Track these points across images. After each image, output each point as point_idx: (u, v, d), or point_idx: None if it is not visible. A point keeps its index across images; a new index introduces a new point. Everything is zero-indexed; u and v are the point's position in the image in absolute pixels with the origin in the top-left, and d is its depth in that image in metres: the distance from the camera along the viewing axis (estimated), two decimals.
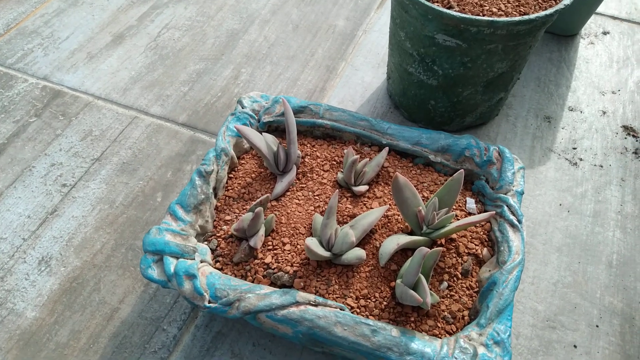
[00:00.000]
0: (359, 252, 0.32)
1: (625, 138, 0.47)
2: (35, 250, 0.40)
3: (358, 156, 0.36)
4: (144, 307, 0.36)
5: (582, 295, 0.37)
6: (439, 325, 0.31)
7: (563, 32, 0.57)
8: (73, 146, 0.46)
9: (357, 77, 0.52)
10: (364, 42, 0.56)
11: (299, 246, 0.33)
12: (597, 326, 0.36)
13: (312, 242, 0.31)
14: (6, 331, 0.35)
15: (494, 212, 0.31)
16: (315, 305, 0.30)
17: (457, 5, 0.39)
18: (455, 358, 0.28)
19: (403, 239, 0.32)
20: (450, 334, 0.31)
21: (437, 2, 0.39)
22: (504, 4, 0.39)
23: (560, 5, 0.39)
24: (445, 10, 0.37)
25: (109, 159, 0.45)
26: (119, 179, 0.44)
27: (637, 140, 0.47)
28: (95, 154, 0.46)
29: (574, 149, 0.46)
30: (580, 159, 0.45)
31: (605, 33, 0.57)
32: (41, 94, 0.51)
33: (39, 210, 0.42)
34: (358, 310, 0.31)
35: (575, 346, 0.35)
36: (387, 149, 0.37)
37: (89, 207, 0.42)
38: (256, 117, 0.39)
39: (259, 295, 0.30)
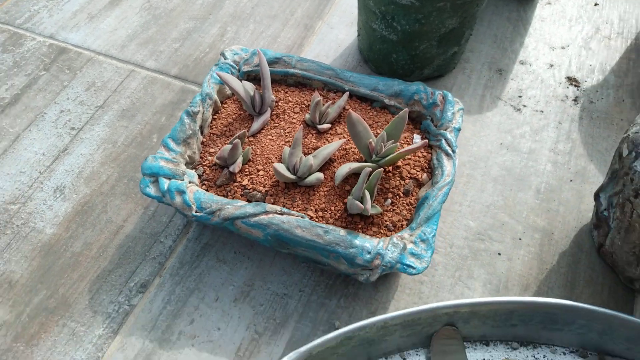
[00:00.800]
0: (319, 175, 0.42)
1: (568, 87, 0.56)
2: (51, 181, 0.49)
3: (321, 98, 0.45)
4: (144, 225, 0.46)
5: (510, 215, 0.47)
6: (381, 231, 0.41)
7: None
8: (79, 96, 0.55)
9: (332, 34, 0.61)
10: (340, 2, 0.64)
11: (270, 172, 0.43)
12: (520, 239, 0.46)
13: (280, 166, 0.41)
14: (30, 244, 0.45)
15: (426, 142, 0.41)
16: (281, 214, 0.40)
17: None
18: (388, 250, 0.38)
19: (355, 165, 0.41)
20: (388, 237, 0.40)
21: None
22: None
23: None
24: None
25: (110, 107, 0.55)
26: (120, 123, 0.53)
27: (577, 89, 0.56)
28: (98, 102, 0.55)
29: (520, 97, 0.55)
30: (524, 106, 0.54)
31: None
32: (48, 50, 0.60)
33: (52, 149, 0.51)
34: (316, 219, 0.40)
35: (499, 254, 0.45)
36: (347, 93, 0.46)
37: (95, 146, 0.52)
38: (237, 67, 0.48)
39: (236, 206, 0.39)
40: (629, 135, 0.38)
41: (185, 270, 0.44)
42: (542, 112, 0.54)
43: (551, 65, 0.58)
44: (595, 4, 0.64)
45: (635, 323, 0.37)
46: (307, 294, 0.43)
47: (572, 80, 0.56)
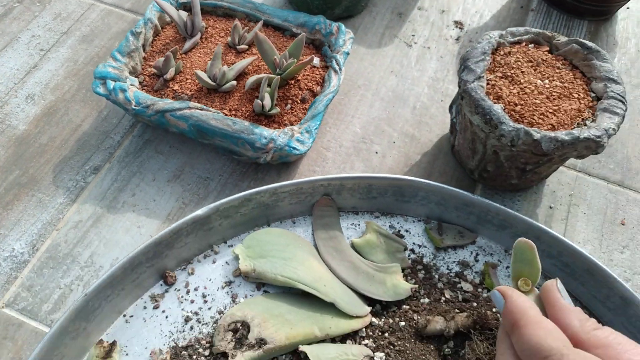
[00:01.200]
0: (233, 83, 0.53)
1: (453, 29, 0.68)
2: (23, 90, 0.60)
3: (240, 24, 0.57)
4: (98, 124, 0.58)
5: (389, 125, 0.59)
6: (281, 128, 0.53)
7: None
8: (47, 24, 0.66)
9: None
10: None
11: (197, 81, 0.54)
12: (394, 142, 0.58)
13: (202, 74, 0.52)
14: (6, 137, 0.57)
15: (312, 58, 0.52)
16: (201, 110, 0.51)
17: None
18: (279, 136, 0.50)
19: (260, 75, 0.53)
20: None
21: None
22: None
23: None
24: None
25: (73, 33, 0.65)
26: (81, 46, 0.64)
27: (461, 31, 0.68)
28: (63, 29, 0.65)
29: (413, 35, 0.67)
30: (415, 43, 0.66)
31: None
32: None
33: (25, 66, 0.62)
34: (230, 116, 0.52)
35: (376, 152, 0.57)
36: (262, 21, 0.57)
37: (59, 64, 0.62)
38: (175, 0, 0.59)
39: (166, 102, 0.51)
40: (462, 54, 0.51)
41: (130, 158, 0.55)
42: (428, 48, 0.66)
43: (443, 11, 0.69)
44: None
45: (457, 193, 0.50)
46: (225, 177, 0.55)
47: (457, 24, 0.68)
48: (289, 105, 0.54)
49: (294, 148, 0.50)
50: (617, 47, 0.68)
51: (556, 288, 0.33)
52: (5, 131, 0.57)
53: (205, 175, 0.55)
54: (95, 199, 0.53)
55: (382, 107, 0.61)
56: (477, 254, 0.50)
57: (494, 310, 0.46)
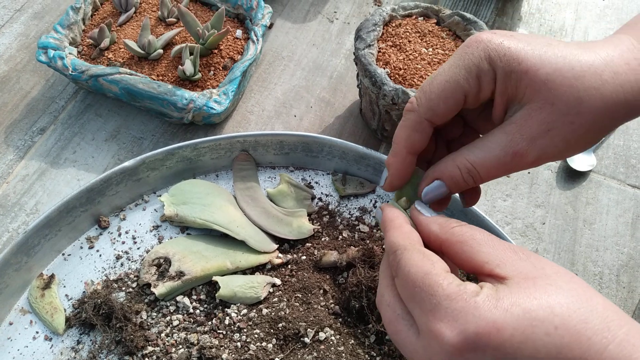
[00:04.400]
0: (160, 51, 0.57)
1: (372, 7, 0.72)
2: None
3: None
4: (45, 91, 0.62)
5: (308, 92, 0.64)
6: (203, 92, 0.57)
7: None
8: (2, 1, 0.69)
9: None
10: None
11: (129, 50, 0.58)
12: (311, 107, 0.63)
13: (131, 42, 0.56)
14: None
15: (228, 28, 0.57)
16: (130, 75, 0.55)
17: None
18: (199, 98, 0.54)
19: (185, 44, 0.57)
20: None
21: None
22: None
23: None
24: None
25: (26, 10, 0.68)
26: (32, 22, 0.67)
27: (378, 8, 0.72)
28: (17, 7, 0.68)
29: (335, 12, 0.71)
30: (337, 19, 0.70)
31: None
32: None
33: None
34: (157, 80, 0.56)
35: (295, 115, 0.62)
36: None
37: (12, 38, 0.66)
38: None
39: (98, 68, 0.55)
40: (357, 25, 0.55)
41: (72, 121, 0.60)
42: (348, 23, 0.70)
43: None
44: None
45: (354, 147, 0.54)
46: (157, 137, 0.59)
47: (376, 1, 0.72)
48: (211, 72, 0.58)
49: (212, 108, 0.54)
50: (521, 22, 0.72)
51: (416, 209, 0.32)
52: None
53: (139, 136, 0.59)
54: (40, 156, 0.57)
55: (303, 76, 0.65)
56: (376, 201, 0.55)
57: (383, 246, 0.51)
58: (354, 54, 0.54)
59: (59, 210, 0.49)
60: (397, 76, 0.53)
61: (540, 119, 0.28)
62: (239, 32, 0.61)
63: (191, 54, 0.57)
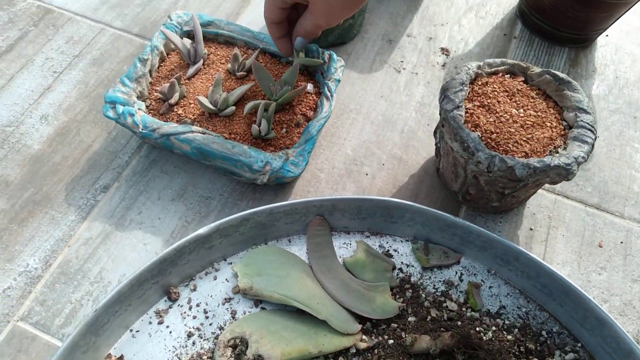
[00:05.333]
0: (232, 108, 0.54)
1: (440, 56, 0.68)
2: (38, 111, 0.60)
3: (240, 52, 0.57)
4: (107, 145, 0.58)
5: (379, 148, 0.60)
6: (276, 150, 0.53)
7: None
8: (60, 47, 0.66)
9: (262, 6, 0.72)
10: None
11: (199, 106, 0.55)
12: (383, 164, 0.59)
13: (203, 99, 0.53)
14: (21, 156, 0.57)
15: (306, 85, 0.53)
16: (203, 134, 0.52)
17: None
18: (275, 159, 0.50)
19: (257, 101, 0.54)
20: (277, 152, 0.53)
21: None
22: None
23: None
24: None
25: (84, 56, 0.65)
26: (91, 69, 0.64)
27: (447, 57, 0.68)
28: (75, 52, 0.66)
29: (402, 62, 0.67)
30: (404, 69, 0.67)
31: None
32: (37, 10, 0.70)
33: (39, 87, 0.62)
34: (229, 140, 0.53)
35: (366, 174, 0.58)
36: (259, 49, 0.58)
37: (71, 86, 0.63)
38: (179, 27, 0.60)
39: (170, 126, 0.52)
40: (443, 84, 0.51)
41: (137, 178, 0.56)
42: (416, 74, 0.66)
43: (430, 38, 0.70)
44: None
45: (440, 215, 0.50)
46: (225, 197, 0.55)
47: (444, 50, 0.69)
48: (284, 129, 0.55)
49: (288, 170, 0.51)
50: (596, 73, 0.68)
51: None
52: (21, 150, 0.57)
53: (207, 195, 0.55)
54: (104, 217, 0.53)
55: (372, 130, 0.61)
56: (462, 274, 0.51)
57: (477, 329, 0.47)
58: (440, 114, 0.50)
59: (130, 284, 0.45)
60: (489, 140, 0.48)
61: (316, 9, 0.49)
62: (310, 87, 0.58)
63: (265, 110, 0.53)
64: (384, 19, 0.71)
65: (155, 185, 0.56)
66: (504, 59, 0.54)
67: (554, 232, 0.55)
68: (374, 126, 0.62)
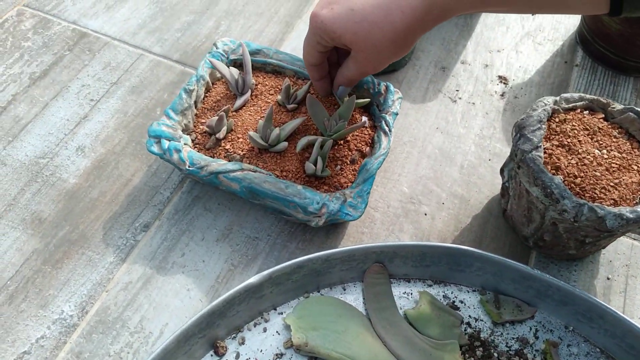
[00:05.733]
0: (284, 144, 0.50)
1: (498, 84, 0.64)
2: (74, 141, 0.57)
3: (291, 83, 0.53)
4: (148, 179, 0.55)
5: (437, 185, 0.56)
6: (330, 189, 0.49)
7: None
8: (97, 73, 0.63)
9: (306, 31, 0.68)
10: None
11: (248, 140, 0.51)
12: (443, 203, 0.54)
13: (254, 134, 0.49)
14: (56, 190, 0.54)
15: (364, 122, 0.49)
16: (254, 172, 0.48)
17: None
18: (332, 201, 0.46)
19: (312, 137, 0.50)
20: (333, 192, 0.49)
21: None
22: None
23: None
24: None
25: (123, 83, 0.62)
26: (130, 97, 0.61)
27: (506, 86, 0.64)
28: (113, 79, 0.63)
29: (457, 90, 0.63)
30: (460, 98, 0.63)
31: None
32: (72, 34, 0.67)
33: (75, 116, 0.59)
34: (281, 178, 0.49)
35: (425, 214, 0.54)
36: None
37: (109, 115, 0.60)
38: (226, 55, 0.56)
39: (219, 163, 0.48)
40: (517, 121, 0.47)
41: (179, 215, 0.52)
42: (473, 104, 0.62)
43: (486, 65, 0.66)
44: (533, 14, 0.72)
45: (515, 266, 0.46)
46: (273, 238, 0.51)
47: (502, 79, 0.65)
48: (338, 166, 0.51)
49: (347, 214, 0.46)
50: None
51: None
52: (55, 184, 0.54)
53: (254, 235, 0.51)
54: (145, 259, 0.49)
55: (429, 165, 0.57)
56: (537, 330, 0.46)
57: None
58: (516, 155, 0.46)
59: (177, 340, 0.41)
60: (572, 185, 0.44)
61: (360, 57, 0.45)
62: (364, 119, 0.54)
63: (320, 147, 0.49)
64: (436, 45, 0.67)
65: (198, 224, 0.52)
66: (582, 94, 0.49)
67: (633, 282, 0.50)
68: (431, 161, 0.57)
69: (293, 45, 0.67)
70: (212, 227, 0.52)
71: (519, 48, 0.68)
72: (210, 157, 0.50)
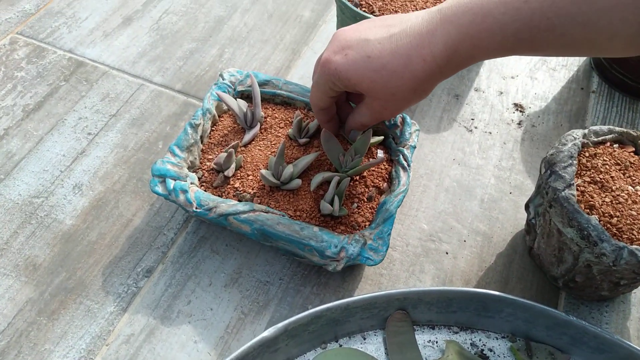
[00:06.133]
0: (298, 181, 0.47)
1: (514, 112, 0.62)
2: (70, 179, 0.54)
3: (302, 116, 0.51)
4: (150, 219, 0.51)
5: (457, 220, 0.53)
6: (347, 229, 0.46)
7: None
8: (95, 105, 0.60)
9: (315, 58, 0.66)
10: (323, 30, 0.70)
11: (258, 177, 0.48)
12: (464, 241, 0.51)
13: (266, 172, 0.46)
14: (51, 233, 0.50)
15: (384, 158, 0.47)
16: (266, 212, 0.45)
17: (379, 11, 0.53)
18: (351, 244, 0.43)
19: (327, 174, 0.47)
20: (352, 234, 0.46)
21: (364, 9, 0.53)
22: (412, 10, 0.53)
23: None
24: (368, 14, 0.51)
25: (122, 115, 0.59)
26: (130, 130, 0.58)
27: (522, 114, 0.62)
28: (112, 111, 0.60)
29: (472, 119, 0.61)
30: (475, 127, 0.60)
31: None
32: (68, 63, 0.64)
33: (71, 151, 0.56)
34: (295, 218, 0.46)
35: (447, 253, 0.51)
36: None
37: (108, 150, 0.56)
38: (233, 87, 0.54)
39: (229, 204, 0.45)
40: (546, 156, 0.44)
41: (184, 259, 0.49)
42: (490, 133, 0.60)
43: (501, 93, 0.64)
44: None
45: (550, 312, 0.43)
46: (285, 282, 0.48)
47: (518, 106, 0.62)
48: (355, 204, 0.48)
49: (368, 258, 0.43)
50: None
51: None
52: (50, 226, 0.51)
53: (265, 279, 0.48)
54: (148, 308, 0.46)
55: (448, 199, 0.54)
56: None
57: None
58: (547, 193, 0.43)
59: None
60: (609, 225, 0.41)
61: (376, 104, 0.42)
62: (380, 153, 0.51)
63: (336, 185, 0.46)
64: None
65: (205, 268, 0.48)
66: (610, 127, 0.47)
67: None
68: (449, 194, 0.55)
69: (300, 74, 0.64)
70: (219, 270, 0.48)
71: (534, 74, 0.66)
72: (219, 196, 0.47)
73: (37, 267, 0.48)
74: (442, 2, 0.54)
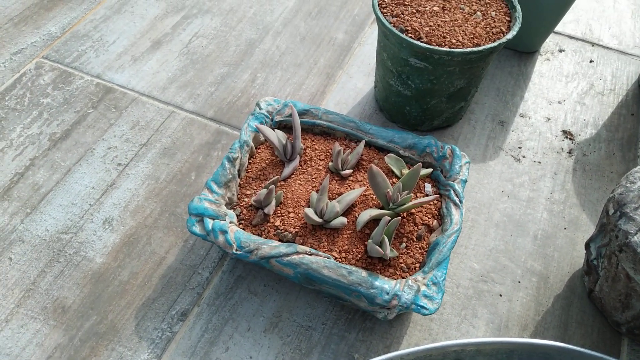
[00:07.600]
0: (342, 220, 0.44)
1: (563, 140, 0.59)
2: (100, 213, 0.52)
3: (342, 148, 0.48)
4: (184, 257, 0.49)
5: (510, 259, 0.50)
6: (397, 272, 0.44)
7: (525, 49, 0.68)
8: (124, 133, 0.58)
9: (351, 83, 0.64)
10: (358, 53, 0.68)
11: (300, 214, 0.46)
12: (519, 282, 0.48)
13: (309, 211, 0.44)
14: (81, 272, 0.48)
15: (437, 195, 0.44)
16: (310, 255, 0.42)
17: (426, 37, 0.50)
18: (404, 291, 0.40)
19: (374, 212, 0.44)
20: (404, 279, 0.43)
21: (410, 34, 0.51)
22: (461, 36, 0.51)
23: (504, 39, 0.50)
24: (415, 41, 0.49)
25: (153, 145, 0.58)
26: (162, 160, 0.56)
27: (572, 142, 0.59)
28: (142, 140, 0.58)
29: (519, 148, 0.58)
30: (523, 156, 0.57)
31: (560, 50, 0.69)
32: (96, 89, 0.63)
33: (101, 183, 0.54)
34: (340, 260, 0.43)
35: (500, 295, 0.48)
36: (364, 141, 0.49)
37: (139, 182, 0.54)
38: (270, 117, 0.51)
39: (271, 246, 0.42)
40: (614, 195, 0.41)
41: (220, 300, 0.46)
42: (539, 162, 0.57)
43: (548, 119, 0.61)
44: (591, 61, 0.67)
45: None
46: (329, 327, 0.45)
47: (567, 134, 0.59)
48: (403, 244, 0.45)
49: (423, 307, 0.40)
50: None
51: None
52: (80, 264, 0.48)
53: (307, 324, 0.45)
54: (183, 355, 0.43)
55: (498, 235, 0.51)
56: None
57: None
58: (616, 236, 0.40)
59: None
60: None
61: None
62: (427, 186, 0.48)
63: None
64: (491, 96, 0.63)
65: (243, 311, 0.46)
66: None
67: None
68: (500, 230, 0.52)
69: (336, 99, 0.62)
70: (258, 314, 0.46)
71: (582, 99, 0.63)
72: (258, 235, 0.45)
73: (67, 309, 0.46)
74: (492, 28, 0.52)
